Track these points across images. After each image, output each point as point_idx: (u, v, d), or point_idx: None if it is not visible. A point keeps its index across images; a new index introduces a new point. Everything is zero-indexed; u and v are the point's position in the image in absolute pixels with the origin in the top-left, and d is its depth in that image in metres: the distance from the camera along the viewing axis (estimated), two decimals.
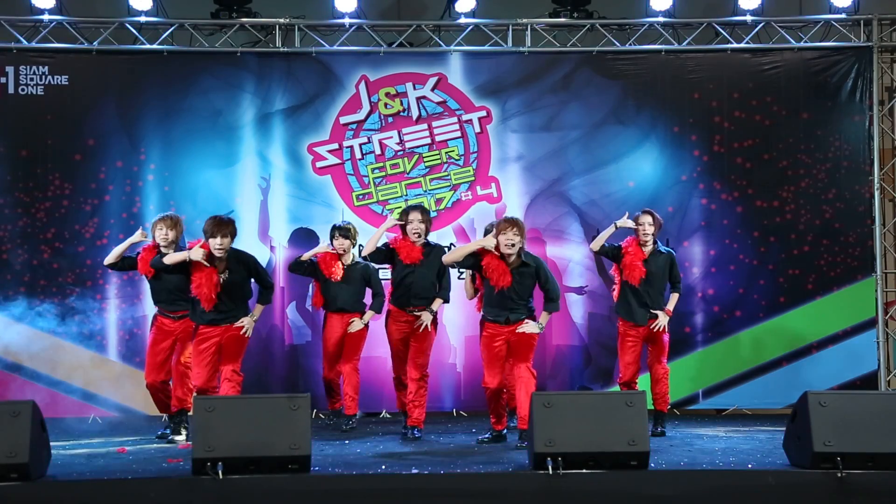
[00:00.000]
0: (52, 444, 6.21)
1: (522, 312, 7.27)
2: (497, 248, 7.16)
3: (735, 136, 9.57)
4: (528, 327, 7.23)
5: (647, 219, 7.78)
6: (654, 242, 7.83)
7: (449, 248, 8.55)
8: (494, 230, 7.25)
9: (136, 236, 7.71)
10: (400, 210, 8.16)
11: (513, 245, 7.15)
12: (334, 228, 8.25)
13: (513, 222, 7.22)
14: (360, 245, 8.48)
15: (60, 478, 6.00)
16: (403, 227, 7.76)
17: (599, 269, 9.29)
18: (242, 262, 7.34)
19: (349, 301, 8.16)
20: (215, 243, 7.16)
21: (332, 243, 8.21)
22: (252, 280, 7.40)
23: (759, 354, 9.44)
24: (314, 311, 8.87)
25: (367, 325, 8.19)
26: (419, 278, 7.69)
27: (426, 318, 7.69)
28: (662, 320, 7.76)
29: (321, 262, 8.20)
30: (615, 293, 7.98)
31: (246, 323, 7.31)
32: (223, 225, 7.20)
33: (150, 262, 7.43)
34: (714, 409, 9.50)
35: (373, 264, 8.07)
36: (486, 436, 7.55)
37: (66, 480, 5.96)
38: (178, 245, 7.52)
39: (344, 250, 8.16)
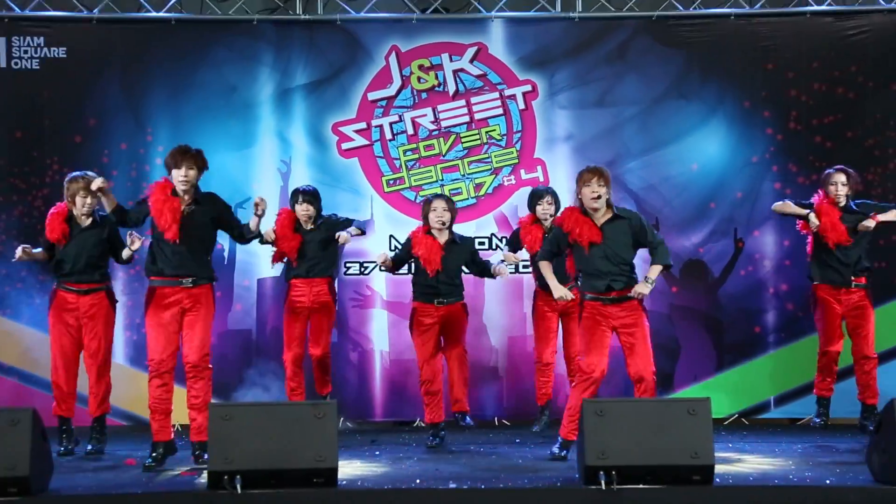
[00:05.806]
0: (54, 454, 6.36)
1: (624, 280, 7.04)
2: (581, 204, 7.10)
3: (814, 111, 9.55)
4: (639, 288, 7.00)
5: (841, 177, 8.07)
6: (847, 200, 8.07)
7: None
8: (577, 182, 7.13)
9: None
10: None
11: (598, 197, 7.01)
12: (297, 192, 8.39)
13: (596, 171, 7.07)
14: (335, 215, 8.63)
15: (64, 492, 6.13)
16: (425, 217, 7.95)
17: None
18: (212, 202, 7.15)
19: (316, 264, 8.32)
20: (179, 175, 6.95)
21: (293, 208, 8.36)
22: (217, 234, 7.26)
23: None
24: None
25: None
26: (443, 278, 7.90)
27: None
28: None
29: (278, 237, 8.18)
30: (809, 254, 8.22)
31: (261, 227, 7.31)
32: (189, 155, 6.96)
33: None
34: (787, 419, 9.52)
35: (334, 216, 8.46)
36: (562, 452, 7.21)
37: (69, 495, 6.09)
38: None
39: (308, 217, 8.30)
